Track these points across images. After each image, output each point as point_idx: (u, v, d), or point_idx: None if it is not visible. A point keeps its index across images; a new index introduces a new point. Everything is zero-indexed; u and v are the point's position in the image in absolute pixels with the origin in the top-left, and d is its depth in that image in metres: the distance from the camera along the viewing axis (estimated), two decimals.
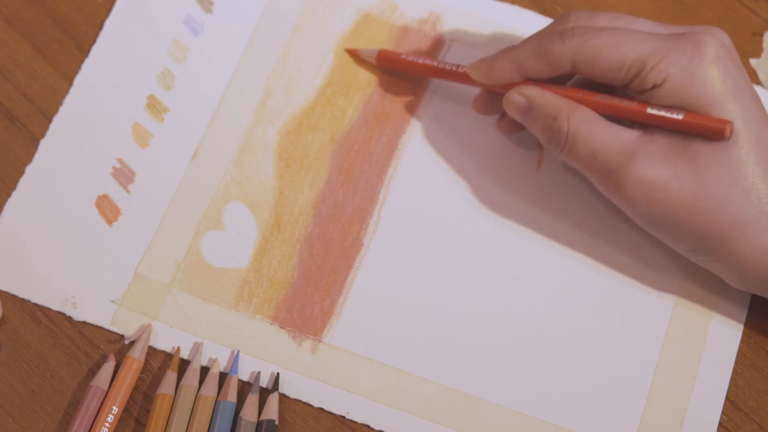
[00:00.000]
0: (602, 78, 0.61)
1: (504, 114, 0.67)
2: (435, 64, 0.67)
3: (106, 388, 0.62)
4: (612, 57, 0.60)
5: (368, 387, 0.63)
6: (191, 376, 0.62)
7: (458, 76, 0.66)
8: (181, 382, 0.62)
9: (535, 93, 0.62)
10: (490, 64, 0.64)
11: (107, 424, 0.61)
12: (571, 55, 0.61)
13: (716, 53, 0.59)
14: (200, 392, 0.62)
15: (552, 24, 0.64)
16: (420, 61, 0.67)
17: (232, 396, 0.62)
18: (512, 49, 0.63)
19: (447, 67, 0.66)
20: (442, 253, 0.66)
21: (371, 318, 0.64)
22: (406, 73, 0.69)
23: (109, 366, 0.63)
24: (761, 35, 0.70)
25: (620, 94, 0.62)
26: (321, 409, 0.63)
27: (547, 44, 0.61)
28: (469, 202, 0.67)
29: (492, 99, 0.66)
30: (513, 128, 0.67)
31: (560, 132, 0.61)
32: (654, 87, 0.60)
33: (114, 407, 0.61)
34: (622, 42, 0.60)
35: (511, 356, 0.64)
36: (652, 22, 0.63)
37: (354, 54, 0.70)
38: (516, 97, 0.63)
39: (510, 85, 0.63)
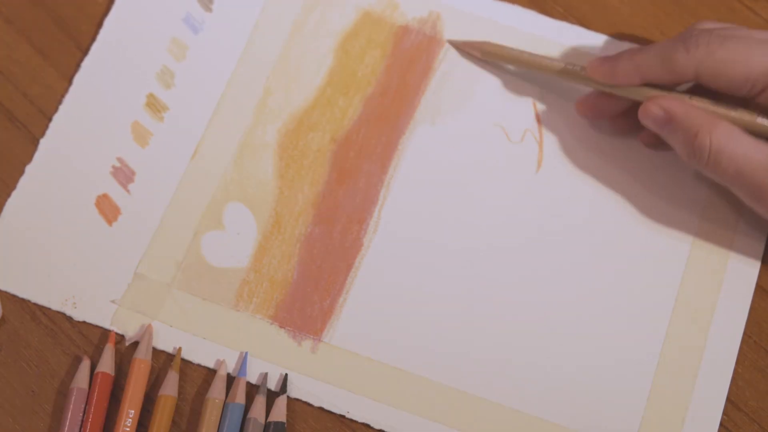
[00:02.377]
0: (726, 89, 0.61)
1: (617, 119, 0.67)
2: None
3: (87, 387, 0.62)
4: (737, 70, 0.60)
5: (368, 386, 0.63)
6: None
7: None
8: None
9: (674, 106, 0.62)
10: (612, 65, 0.63)
11: (127, 428, 0.61)
12: (695, 66, 0.61)
13: None
14: (208, 395, 0.62)
15: (678, 35, 0.63)
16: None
17: (240, 398, 0.62)
18: (636, 52, 0.63)
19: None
20: (442, 253, 0.66)
21: (371, 318, 0.64)
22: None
23: (84, 366, 0.63)
24: None
25: (749, 104, 0.62)
26: (321, 408, 0.63)
27: (672, 53, 0.61)
28: (469, 202, 0.67)
29: (599, 102, 0.66)
30: (596, 112, 0.67)
31: (702, 148, 0.61)
32: None
33: (131, 410, 0.62)
34: (748, 54, 0.60)
35: (512, 355, 0.64)
36: None
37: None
38: (655, 109, 0.62)
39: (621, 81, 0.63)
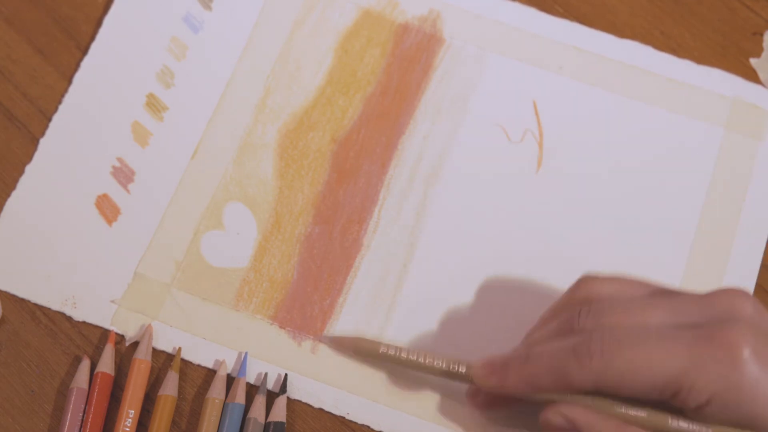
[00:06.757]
0: (633, 397, 0.54)
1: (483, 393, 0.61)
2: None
3: (87, 387, 0.62)
4: (640, 381, 0.53)
5: (368, 387, 0.63)
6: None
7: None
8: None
9: (577, 415, 0.55)
10: (501, 376, 0.57)
11: (127, 428, 0.61)
12: (593, 381, 0.54)
13: (753, 348, 0.52)
14: (208, 395, 0.62)
15: (561, 306, 0.59)
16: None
17: (240, 398, 0.62)
18: (525, 363, 0.57)
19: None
20: (441, 253, 0.66)
21: (371, 318, 0.64)
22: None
23: (84, 366, 0.63)
24: (761, 35, 0.70)
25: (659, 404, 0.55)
26: (321, 409, 0.63)
27: (564, 367, 0.55)
28: (469, 202, 0.67)
29: (494, 396, 0.61)
30: (490, 405, 0.61)
31: None
32: (699, 407, 0.53)
33: (131, 410, 0.62)
34: (650, 359, 0.53)
35: None
36: (668, 307, 0.56)
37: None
38: (555, 418, 0.56)
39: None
